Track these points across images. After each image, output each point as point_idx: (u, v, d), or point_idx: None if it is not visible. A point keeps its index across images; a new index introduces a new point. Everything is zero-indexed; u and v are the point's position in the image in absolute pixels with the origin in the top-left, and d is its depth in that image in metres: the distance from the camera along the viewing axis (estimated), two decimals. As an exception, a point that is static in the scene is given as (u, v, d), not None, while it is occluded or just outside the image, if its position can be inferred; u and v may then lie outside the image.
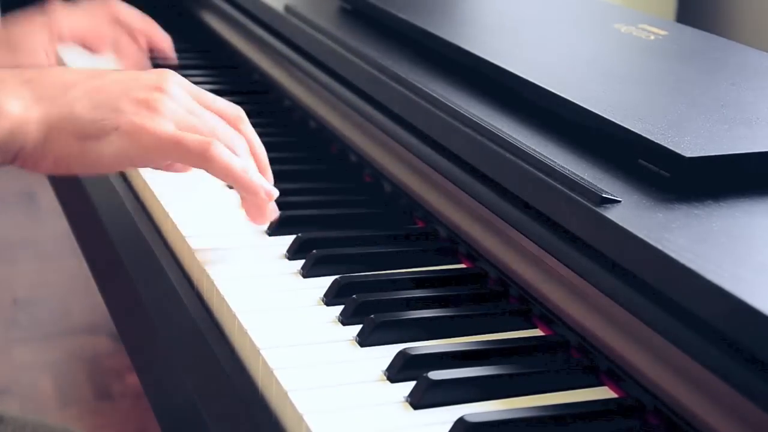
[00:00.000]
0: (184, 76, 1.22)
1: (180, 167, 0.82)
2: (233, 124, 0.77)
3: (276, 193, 0.77)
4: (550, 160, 0.71)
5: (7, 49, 0.99)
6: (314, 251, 0.77)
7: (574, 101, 0.76)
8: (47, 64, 1.00)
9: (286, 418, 0.61)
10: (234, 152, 0.74)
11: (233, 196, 0.90)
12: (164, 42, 1.10)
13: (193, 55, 1.33)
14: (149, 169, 0.94)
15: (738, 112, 0.76)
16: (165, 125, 0.72)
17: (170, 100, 0.73)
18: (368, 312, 0.69)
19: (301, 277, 0.76)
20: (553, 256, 0.68)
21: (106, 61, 1.09)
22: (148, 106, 0.72)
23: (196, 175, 0.95)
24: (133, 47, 1.07)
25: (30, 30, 1.01)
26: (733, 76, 0.87)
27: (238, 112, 0.78)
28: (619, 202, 0.65)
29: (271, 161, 0.98)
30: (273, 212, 0.79)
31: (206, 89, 1.17)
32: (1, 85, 0.71)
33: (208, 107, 0.76)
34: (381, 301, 0.71)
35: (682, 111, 0.75)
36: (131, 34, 1.07)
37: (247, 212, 0.77)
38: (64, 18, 1.03)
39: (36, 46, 1.00)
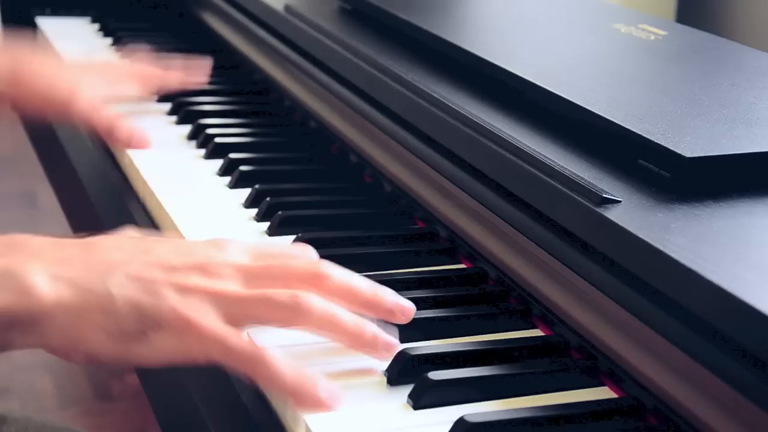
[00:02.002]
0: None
1: None
2: (313, 286, 0.64)
3: (395, 343, 0.64)
4: (550, 160, 0.71)
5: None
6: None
7: (574, 101, 0.76)
8: (82, 86, 1.01)
9: (286, 418, 0.61)
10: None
11: (233, 195, 0.90)
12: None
13: (193, 55, 1.33)
14: (149, 168, 0.94)
15: (738, 112, 0.76)
16: (210, 318, 0.61)
17: (217, 283, 0.63)
18: (368, 312, 0.68)
19: None
20: (553, 256, 0.68)
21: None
22: (192, 292, 0.62)
23: (197, 175, 0.95)
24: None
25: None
26: (733, 76, 0.87)
27: (315, 269, 0.65)
28: (619, 202, 0.65)
29: (272, 161, 0.98)
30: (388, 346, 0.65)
31: (206, 89, 1.19)
32: (34, 258, 0.61)
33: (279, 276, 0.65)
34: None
35: (682, 111, 0.75)
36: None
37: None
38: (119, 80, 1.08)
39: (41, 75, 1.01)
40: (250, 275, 0.64)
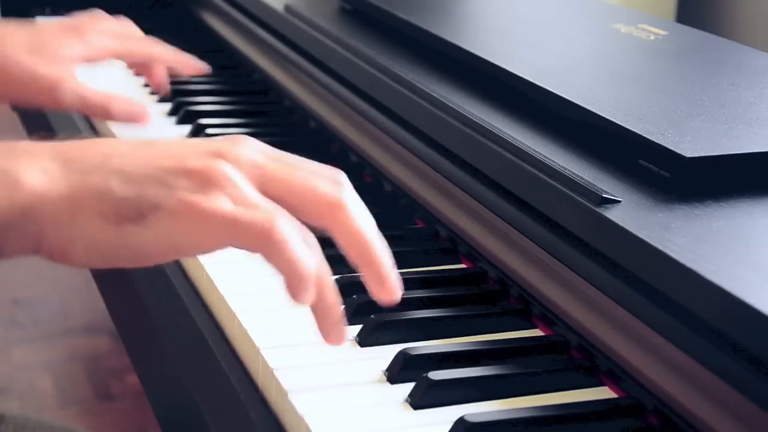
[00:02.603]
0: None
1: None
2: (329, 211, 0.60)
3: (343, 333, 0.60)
4: (550, 160, 0.71)
5: (29, 51, 0.94)
6: (314, 251, 0.77)
7: (574, 101, 0.76)
8: (68, 75, 0.96)
9: (286, 418, 0.61)
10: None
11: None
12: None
13: (193, 55, 1.33)
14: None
15: (738, 112, 0.76)
16: (219, 201, 0.56)
17: (233, 168, 0.58)
18: (368, 312, 0.69)
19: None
20: (553, 256, 0.68)
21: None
22: (202, 177, 0.57)
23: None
24: (162, 57, 1.04)
25: (60, 37, 0.98)
26: (733, 76, 0.87)
27: (336, 200, 0.60)
28: (619, 202, 0.65)
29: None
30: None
31: (206, 89, 1.19)
32: (26, 155, 0.57)
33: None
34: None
35: (682, 111, 0.75)
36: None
37: (318, 326, 0.60)
38: (95, 35, 1.01)
39: (62, 54, 0.96)
40: (265, 178, 0.59)
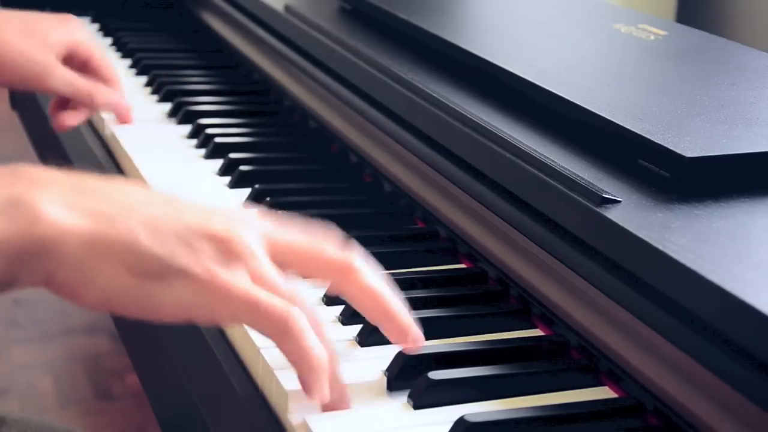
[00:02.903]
0: (184, 76, 1.23)
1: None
2: (341, 276, 0.61)
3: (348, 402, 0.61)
4: (550, 160, 0.71)
5: (21, 35, 0.99)
6: (314, 251, 0.77)
7: (574, 101, 0.76)
8: (57, 61, 1.00)
9: (286, 418, 0.61)
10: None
11: (233, 195, 0.90)
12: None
13: (193, 55, 1.33)
14: (149, 167, 0.94)
15: (738, 112, 0.76)
16: (240, 279, 0.57)
17: (254, 238, 0.59)
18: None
19: (300, 277, 0.75)
20: (553, 256, 0.68)
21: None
22: (225, 245, 0.57)
23: (197, 174, 0.95)
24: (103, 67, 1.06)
25: (50, 24, 1.02)
26: (733, 76, 0.87)
27: (346, 262, 0.61)
28: (619, 202, 0.65)
29: (271, 161, 0.98)
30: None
31: (206, 89, 1.19)
32: (47, 187, 0.56)
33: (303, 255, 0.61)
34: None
35: (682, 111, 0.75)
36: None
37: (305, 391, 0.59)
38: (81, 28, 1.04)
39: (51, 40, 1.00)
40: (277, 248, 0.60)
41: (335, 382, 0.59)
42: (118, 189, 0.59)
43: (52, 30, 1.02)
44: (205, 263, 0.56)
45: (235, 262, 0.57)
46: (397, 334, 0.62)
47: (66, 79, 1.01)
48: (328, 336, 0.60)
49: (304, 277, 0.62)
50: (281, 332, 0.57)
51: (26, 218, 0.54)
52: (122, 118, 1.06)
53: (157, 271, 0.56)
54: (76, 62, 1.04)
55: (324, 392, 0.58)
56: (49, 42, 1.00)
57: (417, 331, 0.62)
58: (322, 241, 0.62)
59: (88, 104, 1.03)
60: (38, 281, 0.55)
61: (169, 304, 0.56)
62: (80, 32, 1.04)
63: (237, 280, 0.57)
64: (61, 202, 0.55)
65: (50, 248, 0.54)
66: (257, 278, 0.57)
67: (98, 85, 1.03)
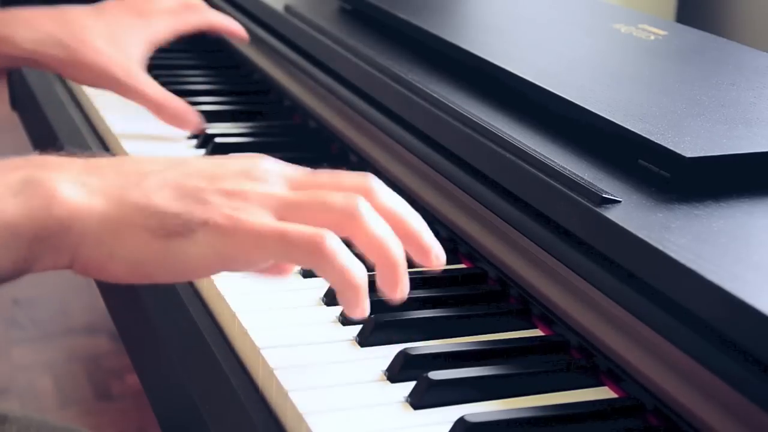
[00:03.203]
0: (184, 76, 1.23)
1: (287, 267, 0.66)
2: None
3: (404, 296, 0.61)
4: (550, 160, 0.71)
5: (106, 43, 1.02)
6: (314, 251, 0.77)
7: (574, 101, 0.76)
8: (138, 68, 1.03)
9: (286, 418, 0.61)
10: (356, 235, 0.59)
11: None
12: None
13: (193, 55, 1.33)
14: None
15: (738, 112, 0.76)
16: (263, 217, 0.57)
17: (266, 184, 0.60)
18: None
19: (300, 277, 0.76)
20: (553, 256, 0.68)
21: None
22: (241, 195, 0.58)
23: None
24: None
25: (130, 28, 1.05)
26: (733, 76, 0.87)
27: (364, 183, 0.62)
28: (619, 202, 0.65)
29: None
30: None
31: (206, 89, 1.19)
32: (59, 169, 0.57)
33: (323, 184, 0.62)
34: (381, 301, 0.71)
35: (682, 111, 0.75)
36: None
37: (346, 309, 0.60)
38: (158, 18, 1.08)
39: (134, 50, 1.04)
40: (296, 183, 0.61)
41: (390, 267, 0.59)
42: (126, 162, 0.60)
43: (132, 32, 1.05)
44: (223, 211, 0.57)
45: (254, 208, 0.57)
46: (387, 282, 0.61)
47: (140, 87, 1.02)
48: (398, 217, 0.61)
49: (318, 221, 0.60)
50: (316, 257, 0.57)
51: (43, 199, 0.55)
52: (188, 127, 1.04)
53: (179, 228, 0.56)
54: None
55: (364, 309, 0.59)
56: (131, 45, 1.04)
57: (405, 285, 0.61)
58: (330, 192, 0.61)
59: (155, 114, 1.03)
60: (63, 262, 0.56)
61: (198, 259, 0.57)
62: (157, 25, 1.07)
63: (258, 217, 0.57)
64: (74, 181, 0.56)
65: (69, 227, 0.55)
66: (281, 213, 0.58)
67: (170, 97, 1.03)
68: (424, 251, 0.62)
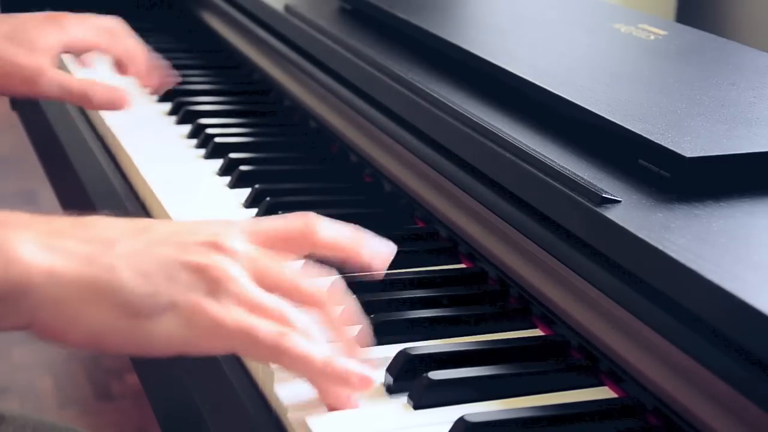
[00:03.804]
0: (184, 76, 1.23)
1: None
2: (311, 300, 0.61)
3: (371, 378, 0.60)
4: (550, 160, 0.71)
5: (9, 41, 0.98)
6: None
7: (574, 101, 0.76)
8: (48, 64, 0.99)
9: (286, 419, 0.61)
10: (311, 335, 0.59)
11: (233, 195, 0.90)
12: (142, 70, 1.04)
13: (193, 55, 1.33)
14: (149, 167, 0.94)
15: (738, 112, 0.76)
16: (229, 310, 0.56)
17: (232, 265, 0.58)
18: (368, 312, 0.68)
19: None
20: (553, 256, 0.68)
21: (103, 73, 1.09)
22: (207, 277, 0.57)
23: (197, 174, 0.95)
24: (140, 58, 1.03)
25: (40, 27, 0.99)
26: (733, 76, 0.87)
27: (303, 227, 0.63)
28: (619, 202, 0.65)
29: (272, 161, 0.98)
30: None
31: (206, 89, 1.19)
32: (20, 228, 0.55)
33: (277, 278, 0.60)
34: (381, 301, 0.71)
35: (682, 111, 0.75)
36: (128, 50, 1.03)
37: (326, 401, 0.60)
38: (75, 25, 1.01)
39: (41, 43, 0.99)
40: (259, 238, 0.61)
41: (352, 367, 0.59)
42: (91, 226, 0.58)
43: (42, 33, 0.98)
44: (191, 296, 0.56)
45: (221, 294, 0.57)
46: (361, 258, 0.64)
47: (57, 83, 0.97)
48: (342, 327, 0.62)
49: (298, 255, 0.64)
50: (277, 357, 0.57)
51: (1, 260, 0.53)
52: (119, 106, 0.99)
53: (146, 309, 0.55)
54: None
55: (338, 396, 0.59)
56: (39, 46, 0.97)
57: (385, 253, 0.64)
58: (285, 217, 0.63)
59: (86, 105, 1.00)
60: (23, 324, 0.55)
61: (161, 340, 0.56)
62: (74, 29, 1.00)
63: (225, 309, 0.56)
64: (36, 244, 0.55)
65: (28, 290, 0.54)
66: (243, 302, 0.57)
67: (93, 83, 0.98)
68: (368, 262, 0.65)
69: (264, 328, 0.57)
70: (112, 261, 0.56)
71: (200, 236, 0.59)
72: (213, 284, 0.57)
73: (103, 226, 0.59)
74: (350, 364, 0.59)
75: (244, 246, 0.60)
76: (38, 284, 0.54)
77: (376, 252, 0.65)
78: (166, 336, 0.56)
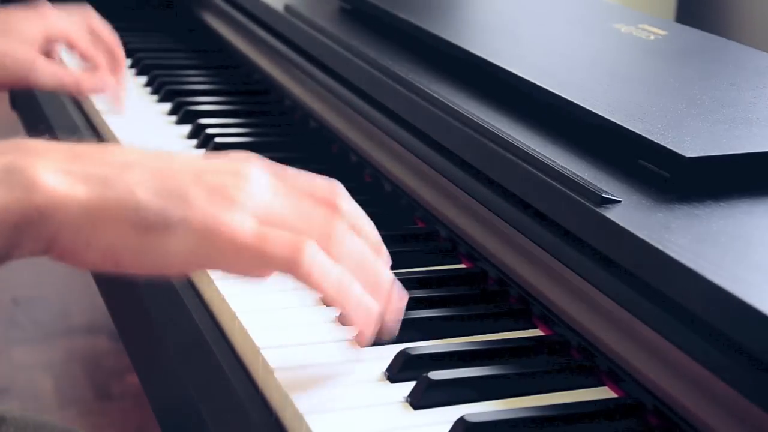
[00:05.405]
0: (184, 75, 1.23)
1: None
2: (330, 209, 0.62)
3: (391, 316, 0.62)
4: (550, 160, 0.71)
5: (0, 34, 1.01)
6: (314, 251, 0.77)
7: (575, 101, 0.76)
8: (39, 55, 1.01)
9: (286, 418, 0.61)
10: (332, 254, 0.60)
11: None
12: (120, 63, 1.09)
13: (194, 55, 1.33)
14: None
15: (738, 112, 0.76)
16: (243, 221, 0.57)
17: (250, 186, 0.59)
18: (368, 312, 0.68)
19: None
20: (553, 256, 0.68)
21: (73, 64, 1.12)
22: (223, 195, 0.58)
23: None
24: (105, 57, 1.07)
25: (24, 18, 1.03)
26: (733, 76, 0.87)
27: (334, 193, 0.63)
28: (619, 202, 0.65)
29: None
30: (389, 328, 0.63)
31: (206, 89, 1.19)
32: (40, 154, 0.57)
33: (300, 191, 0.62)
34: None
35: (682, 111, 0.75)
36: (101, 45, 1.07)
37: (350, 323, 0.63)
38: (55, 16, 1.04)
39: (28, 34, 1.01)
40: (266, 214, 0.61)
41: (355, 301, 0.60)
42: (110, 151, 0.60)
43: (28, 24, 1.02)
44: (204, 210, 0.57)
45: (236, 206, 0.58)
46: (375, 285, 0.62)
47: (49, 72, 1.01)
48: (371, 245, 0.62)
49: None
50: (293, 269, 0.57)
51: (24, 186, 0.55)
52: (114, 101, 1.07)
53: (158, 223, 0.56)
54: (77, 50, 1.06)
55: (357, 317, 0.60)
56: (26, 37, 1.01)
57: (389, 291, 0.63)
58: (312, 176, 0.63)
59: (76, 94, 1.06)
60: (40, 248, 0.56)
61: (175, 255, 0.57)
62: (56, 21, 1.04)
63: (239, 221, 0.57)
64: (57, 169, 0.56)
65: (49, 215, 0.55)
66: (257, 214, 0.58)
67: (83, 74, 1.04)
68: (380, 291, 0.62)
69: (279, 237, 0.57)
70: (128, 181, 0.57)
71: (222, 164, 0.60)
72: (227, 200, 0.58)
73: (121, 151, 0.60)
74: (360, 296, 0.60)
75: (264, 176, 0.61)
76: (59, 207, 0.55)
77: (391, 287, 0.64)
78: (180, 250, 0.57)
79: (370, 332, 0.61)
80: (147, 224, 0.56)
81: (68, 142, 0.59)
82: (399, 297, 0.64)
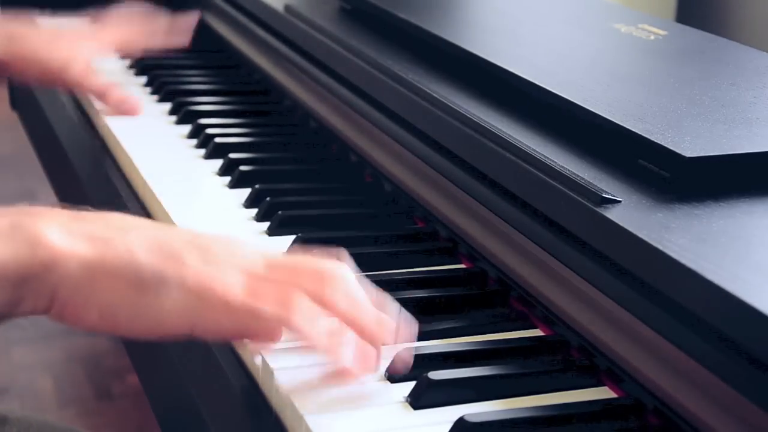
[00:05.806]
0: (184, 75, 1.23)
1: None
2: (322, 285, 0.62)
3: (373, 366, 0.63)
4: (550, 160, 0.71)
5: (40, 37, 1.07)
6: (314, 251, 0.77)
7: (575, 101, 0.76)
8: (73, 55, 1.07)
9: (286, 418, 0.61)
10: (324, 302, 0.62)
11: (233, 195, 0.90)
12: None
13: (193, 55, 1.33)
14: (149, 168, 0.94)
15: (738, 112, 0.76)
16: (235, 288, 0.60)
17: (242, 249, 0.63)
18: (368, 312, 0.68)
19: None
20: (553, 256, 0.68)
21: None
22: (216, 262, 0.61)
23: (197, 174, 0.95)
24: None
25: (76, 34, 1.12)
26: (733, 76, 0.87)
27: (335, 266, 0.64)
28: (619, 202, 0.65)
29: (272, 161, 0.98)
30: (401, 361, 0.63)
31: (206, 89, 1.19)
32: (44, 216, 0.59)
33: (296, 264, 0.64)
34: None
35: (682, 111, 0.75)
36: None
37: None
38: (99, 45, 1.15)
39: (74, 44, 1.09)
40: (272, 263, 0.64)
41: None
42: (111, 216, 0.63)
43: (78, 42, 1.11)
44: (199, 272, 0.60)
45: (227, 267, 0.61)
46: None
47: (82, 75, 1.07)
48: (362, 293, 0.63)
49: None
50: (284, 323, 0.60)
51: (28, 242, 0.57)
52: (130, 113, 1.09)
53: (154, 281, 0.59)
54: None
55: (344, 361, 0.62)
56: (72, 49, 1.09)
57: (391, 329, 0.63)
58: (310, 256, 0.65)
59: (100, 100, 1.09)
60: (42, 305, 0.58)
61: (169, 316, 0.59)
62: (106, 31, 1.13)
63: (231, 288, 0.60)
64: (60, 228, 0.59)
65: (51, 270, 0.57)
66: (252, 277, 0.61)
67: (113, 85, 1.09)
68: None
69: (269, 306, 0.60)
70: (127, 242, 0.60)
71: (215, 240, 0.63)
72: (220, 261, 0.61)
73: (121, 217, 0.64)
74: (349, 351, 0.62)
75: (260, 249, 0.64)
76: (61, 264, 0.58)
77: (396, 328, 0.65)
78: (173, 311, 0.59)
79: (372, 372, 0.63)
80: (144, 283, 0.59)
81: (73, 211, 0.62)
82: (407, 327, 0.65)
